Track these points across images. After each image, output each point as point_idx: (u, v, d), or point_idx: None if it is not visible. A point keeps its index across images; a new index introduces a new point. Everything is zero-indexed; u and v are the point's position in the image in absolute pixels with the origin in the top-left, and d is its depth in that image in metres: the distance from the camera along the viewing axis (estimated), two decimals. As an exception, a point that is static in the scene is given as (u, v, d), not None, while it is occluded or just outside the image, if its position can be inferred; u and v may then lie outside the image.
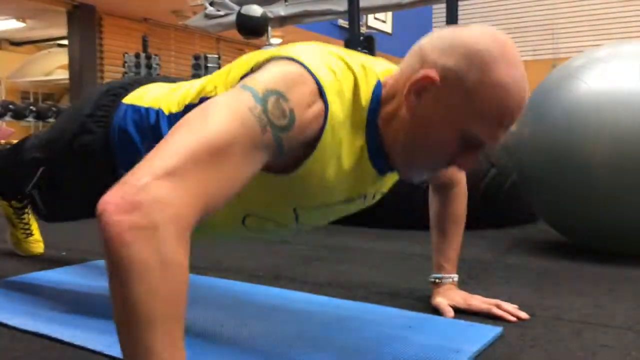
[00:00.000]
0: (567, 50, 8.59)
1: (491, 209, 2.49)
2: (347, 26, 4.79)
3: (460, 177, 1.31)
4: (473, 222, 2.49)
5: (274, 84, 0.77)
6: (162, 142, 0.69)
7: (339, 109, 0.84)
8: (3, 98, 7.30)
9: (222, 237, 1.07)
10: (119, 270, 0.60)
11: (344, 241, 2.24)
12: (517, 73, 0.83)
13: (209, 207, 0.67)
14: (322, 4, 5.45)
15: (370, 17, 8.33)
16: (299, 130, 0.78)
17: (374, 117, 0.90)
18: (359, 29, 4.39)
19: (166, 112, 1.06)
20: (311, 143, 0.83)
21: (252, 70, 0.88)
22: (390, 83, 0.91)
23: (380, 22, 8.68)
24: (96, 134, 1.16)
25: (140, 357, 0.60)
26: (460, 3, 4.16)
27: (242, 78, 0.88)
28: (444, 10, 4.10)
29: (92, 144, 1.16)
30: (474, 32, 0.84)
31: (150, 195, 0.62)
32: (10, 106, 4.77)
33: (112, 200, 0.62)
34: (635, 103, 1.70)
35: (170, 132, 0.71)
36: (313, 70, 0.82)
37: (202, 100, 0.97)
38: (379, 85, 0.90)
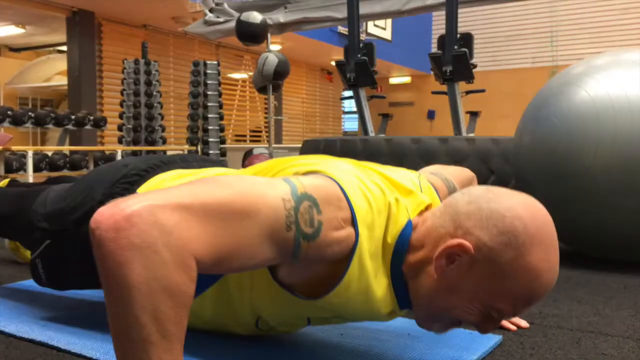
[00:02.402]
0: (566, 57, 8.61)
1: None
2: (346, 33, 4.80)
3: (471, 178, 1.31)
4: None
5: (313, 192, 0.76)
6: (183, 184, 0.67)
7: (367, 241, 0.81)
8: (1, 104, 7.30)
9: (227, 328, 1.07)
10: (115, 290, 0.59)
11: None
12: (551, 257, 0.81)
13: (215, 255, 0.65)
14: (322, 11, 5.47)
15: (370, 24, 8.35)
16: (321, 245, 0.76)
17: (400, 258, 0.86)
18: (358, 36, 4.40)
19: None
20: (335, 270, 0.81)
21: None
22: (421, 231, 0.87)
23: (380, 29, 8.70)
24: None
25: None
26: (460, 10, 4.18)
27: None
28: (444, 17, 4.11)
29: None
30: (513, 206, 0.81)
31: (153, 217, 0.59)
32: (9, 112, 4.74)
33: (107, 213, 0.60)
34: (634, 110, 1.70)
35: (197, 180, 0.69)
36: (350, 197, 0.79)
37: None
38: (409, 226, 0.87)
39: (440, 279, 0.83)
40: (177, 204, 0.62)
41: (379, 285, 0.85)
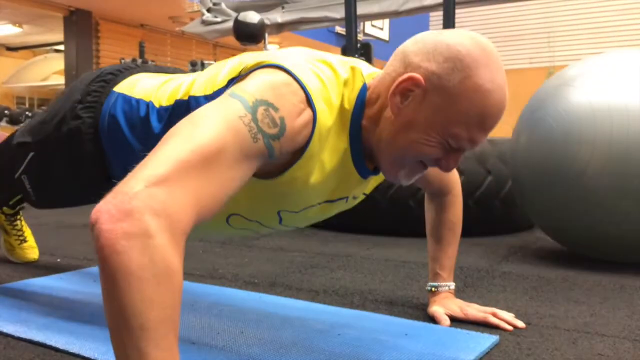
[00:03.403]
0: (563, 57, 8.63)
1: (487, 217, 2.49)
2: (344, 33, 4.81)
3: (454, 182, 1.31)
4: (469, 230, 2.52)
5: (263, 94, 0.78)
6: (154, 151, 0.68)
7: (326, 116, 0.86)
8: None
9: (204, 234, 1.08)
10: (112, 278, 0.60)
11: (341, 248, 2.24)
12: (498, 78, 0.85)
13: (202, 214, 0.68)
14: (319, 11, 5.47)
15: (368, 24, 8.36)
16: (290, 137, 0.80)
17: (358, 119, 0.92)
18: (356, 36, 4.40)
19: (156, 105, 1.07)
20: (299, 150, 0.84)
21: (240, 74, 0.89)
22: (375, 84, 0.93)
23: (378, 29, 8.71)
24: (85, 120, 1.16)
25: None
26: (457, 10, 4.18)
27: (230, 82, 0.91)
28: (441, 17, 4.12)
29: (81, 130, 1.16)
30: (456, 36, 0.86)
31: (143, 203, 0.61)
32: (6, 111, 4.76)
33: (104, 209, 0.61)
34: (631, 111, 1.71)
35: (161, 141, 0.70)
36: (301, 78, 0.83)
37: (191, 98, 0.99)
38: (364, 88, 0.92)
39: (397, 118, 0.87)
40: (158, 180, 0.64)
41: (338, 152, 0.90)
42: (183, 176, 0.65)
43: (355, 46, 4.38)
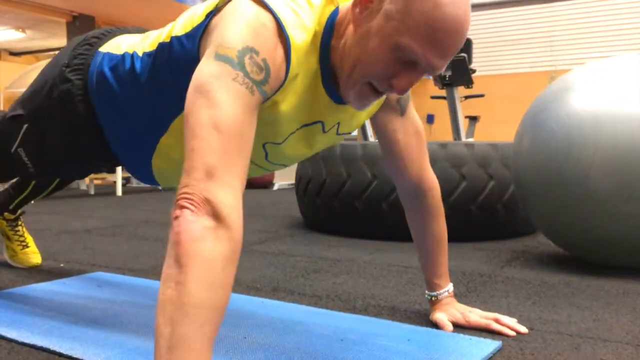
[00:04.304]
0: (565, 62, 8.64)
1: (490, 221, 2.49)
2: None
3: (431, 180, 1.26)
4: (471, 235, 2.52)
5: (242, 41, 0.84)
6: (191, 146, 0.77)
7: (300, 40, 0.90)
8: (1, 108, 7.30)
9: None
10: (184, 260, 0.69)
11: (343, 253, 2.24)
12: None
13: (244, 181, 0.80)
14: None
15: None
16: (275, 75, 0.87)
17: (328, 40, 0.95)
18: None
19: (140, 54, 1.11)
20: (282, 80, 0.90)
21: (217, 7, 0.94)
22: (345, 8, 0.95)
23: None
24: (74, 82, 1.19)
25: (174, 342, 0.67)
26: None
27: (207, 15, 0.95)
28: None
29: (71, 92, 1.18)
30: None
31: (212, 195, 0.74)
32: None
33: (184, 204, 0.73)
34: (633, 116, 1.71)
35: (187, 130, 0.79)
36: (273, 8, 0.88)
37: (173, 39, 1.02)
38: (335, 11, 0.95)
39: (357, 30, 0.90)
40: (213, 172, 0.76)
41: (309, 73, 0.94)
42: (226, 167, 0.77)
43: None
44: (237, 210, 0.76)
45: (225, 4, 0.93)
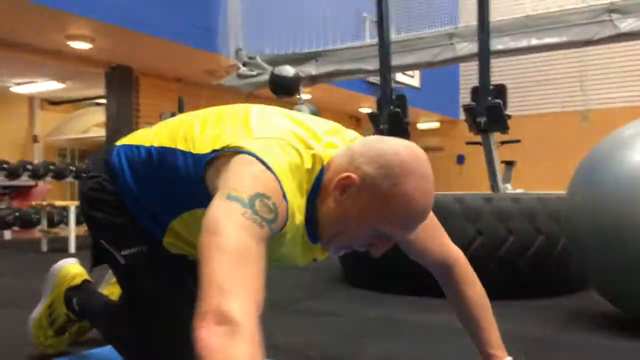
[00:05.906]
0: (596, 101, 8.53)
1: (540, 277, 2.42)
2: (376, 82, 4.84)
3: (455, 251, 1.27)
4: (521, 292, 2.44)
5: (253, 188, 0.92)
6: (205, 273, 0.81)
7: (294, 201, 0.99)
8: (41, 156, 7.50)
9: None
10: None
11: (390, 312, 2.19)
12: (424, 186, 0.98)
13: (259, 296, 0.82)
14: (353, 63, 5.54)
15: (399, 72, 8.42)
16: (281, 217, 0.95)
17: (314, 200, 1.05)
18: (391, 89, 4.43)
19: (147, 145, 1.25)
20: (283, 225, 0.97)
21: (223, 150, 1.02)
22: (332, 169, 1.04)
23: (409, 77, 8.76)
24: (98, 179, 1.33)
25: None
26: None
27: (213, 151, 1.05)
28: (471, 64, 4.12)
29: (100, 187, 1.32)
30: (395, 146, 1.00)
31: (225, 306, 0.77)
32: (51, 167, 4.91)
33: (201, 324, 0.76)
34: (694, 175, 1.65)
35: (202, 261, 0.83)
36: (274, 169, 0.96)
37: (177, 151, 1.15)
38: (321, 172, 1.05)
39: (336, 207, 1.02)
40: (227, 295, 0.78)
41: (298, 226, 1.04)
42: (235, 282, 0.80)
43: (390, 98, 4.41)
44: (251, 316, 0.78)
45: (233, 154, 1.00)
